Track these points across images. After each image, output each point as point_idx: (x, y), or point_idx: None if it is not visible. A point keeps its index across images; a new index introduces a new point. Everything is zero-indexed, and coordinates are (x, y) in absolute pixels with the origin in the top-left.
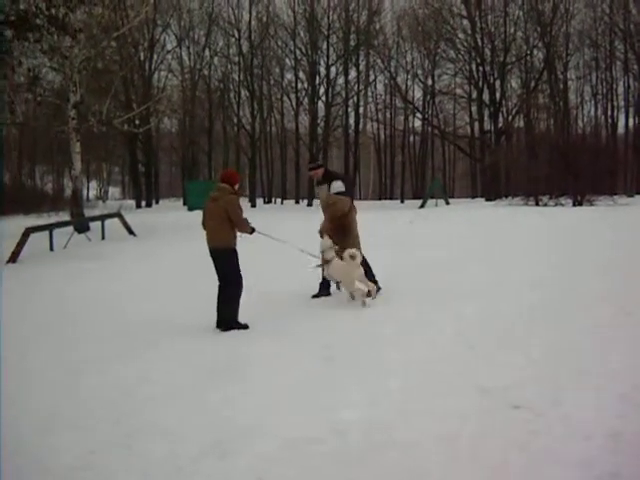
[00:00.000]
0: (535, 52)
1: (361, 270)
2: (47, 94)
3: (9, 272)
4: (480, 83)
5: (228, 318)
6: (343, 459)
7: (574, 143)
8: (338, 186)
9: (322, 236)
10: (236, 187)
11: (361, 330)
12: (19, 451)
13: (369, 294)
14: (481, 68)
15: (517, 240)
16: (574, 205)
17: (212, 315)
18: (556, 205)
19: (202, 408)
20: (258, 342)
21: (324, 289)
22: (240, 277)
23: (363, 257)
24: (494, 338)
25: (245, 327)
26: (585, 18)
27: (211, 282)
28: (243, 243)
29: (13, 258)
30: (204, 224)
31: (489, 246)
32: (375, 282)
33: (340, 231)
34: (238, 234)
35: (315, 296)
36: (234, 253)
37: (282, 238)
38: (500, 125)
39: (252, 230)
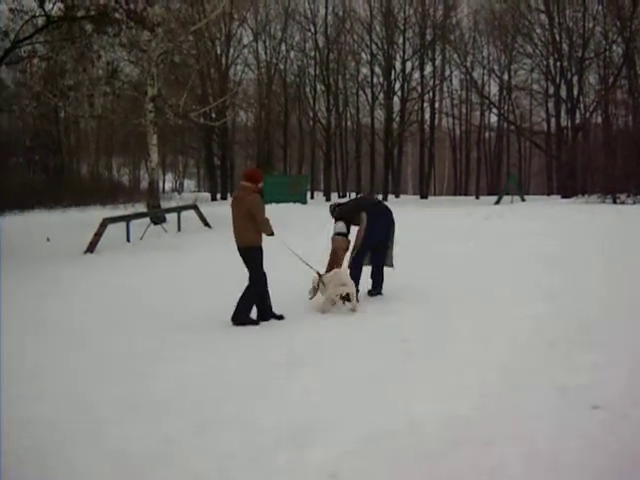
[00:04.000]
0: (614, 47)
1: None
2: (125, 87)
3: (87, 262)
4: (557, 79)
5: (239, 312)
6: (419, 454)
7: None
8: (339, 227)
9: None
10: (259, 185)
11: (437, 325)
12: (98, 440)
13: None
14: (559, 63)
15: (596, 240)
16: None
17: (288, 307)
18: (634, 203)
19: (278, 399)
20: (334, 336)
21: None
22: (260, 276)
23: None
24: (574, 337)
25: (256, 323)
26: None
27: (284, 274)
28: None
29: (91, 248)
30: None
31: (567, 245)
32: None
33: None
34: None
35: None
36: (259, 251)
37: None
38: (577, 121)
39: (271, 233)
